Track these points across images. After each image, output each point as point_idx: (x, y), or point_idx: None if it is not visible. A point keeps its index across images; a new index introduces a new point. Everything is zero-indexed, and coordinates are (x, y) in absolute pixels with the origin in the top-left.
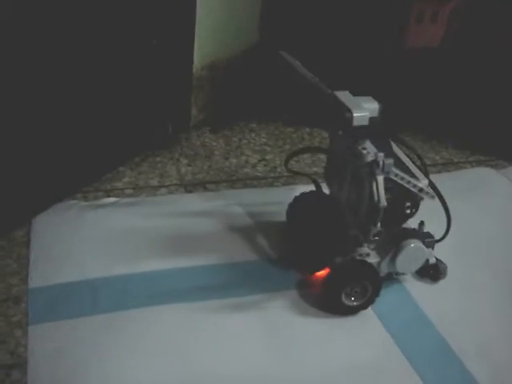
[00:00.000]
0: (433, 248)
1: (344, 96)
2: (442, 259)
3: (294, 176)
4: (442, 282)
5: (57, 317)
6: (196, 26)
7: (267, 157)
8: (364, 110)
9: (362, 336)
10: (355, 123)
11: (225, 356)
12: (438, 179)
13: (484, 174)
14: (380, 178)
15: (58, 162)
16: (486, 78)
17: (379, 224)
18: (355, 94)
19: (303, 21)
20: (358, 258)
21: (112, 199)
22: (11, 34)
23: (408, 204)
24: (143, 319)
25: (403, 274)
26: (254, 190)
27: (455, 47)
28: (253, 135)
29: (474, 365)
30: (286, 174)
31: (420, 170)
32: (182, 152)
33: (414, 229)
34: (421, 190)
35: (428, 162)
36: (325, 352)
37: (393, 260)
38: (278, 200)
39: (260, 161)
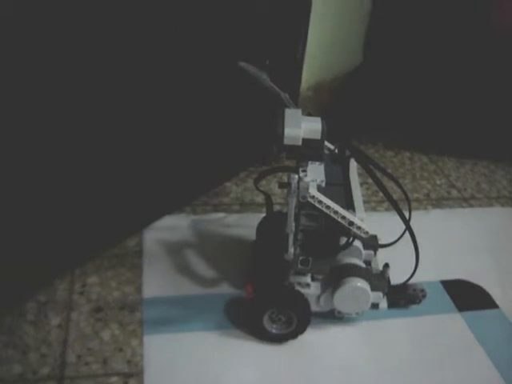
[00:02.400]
0: (383, 292)
1: (291, 113)
2: None
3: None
4: None
5: (171, 329)
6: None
7: (369, 180)
8: (299, 129)
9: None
10: (286, 142)
11: None
12: None
13: None
14: (290, 201)
15: (170, 175)
16: None
17: (292, 251)
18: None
19: (408, 42)
20: (297, 286)
21: (221, 214)
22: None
23: (339, 235)
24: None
25: (347, 314)
26: None
27: None
28: None
29: None
30: (380, 199)
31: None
32: None
33: (368, 268)
34: (351, 223)
35: None
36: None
37: (331, 296)
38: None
39: (362, 184)
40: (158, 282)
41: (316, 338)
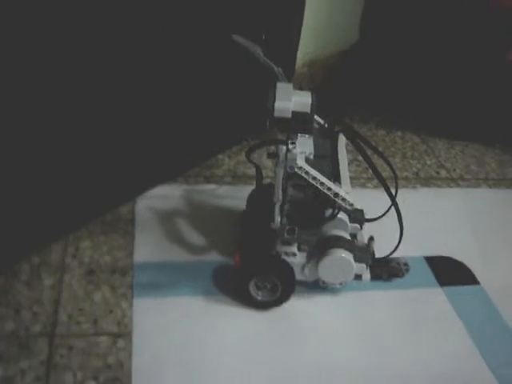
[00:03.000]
0: (367, 264)
1: (282, 87)
2: None
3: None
4: None
5: (160, 293)
6: None
7: (360, 157)
8: (289, 102)
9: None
10: (276, 114)
11: None
12: None
13: None
14: (278, 171)
15: (163, 146)
16: None
17: (278, 220)
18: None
19: (404, 22)
20: (283, 256)
21: (213, 185)
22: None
23: (325, 206)
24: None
25: (331, 284)
26: None
27: None
28: None
29: None
30: (370, 176)
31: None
32: None
33: (353, 240)
34: (336, 195)
35: None
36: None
37: (316, 266)
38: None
39: (352, 161)
40: (148, 248)
41: (300, 307)
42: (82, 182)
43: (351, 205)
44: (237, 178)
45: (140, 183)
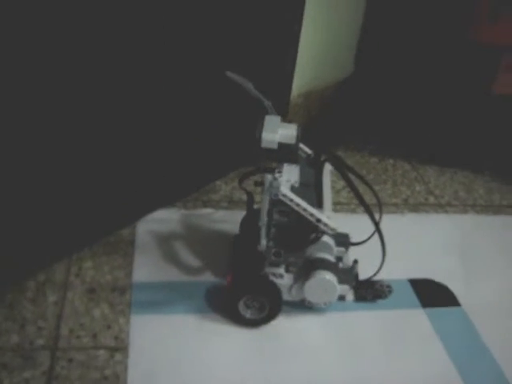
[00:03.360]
0: (350, 285)
1: (270, 119)
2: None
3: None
4: (508, 317)
5: (156, 311)
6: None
7: None
8: (275, 134)
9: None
10: (263, 145)
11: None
12: None
13: None
14: (264, 198)
15: (163, 172)
16: None
17: (264, 243)
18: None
19: (397, 56)
20: (271, 277)
21: (209, 210)
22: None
23: (309, 231)
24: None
25: (316, 304)
26: (337, 214)
27: None
28: None
29: None
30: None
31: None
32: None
33: (336, 262)
34: (318, 220)
35: (504, 203)
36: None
37: (302, 287)
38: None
39: (344, 187)
40: (147, 268)
41: (287, 325)
42: (86, 205)
43: (333, 229)
44: (233, 203)
45: (141, 207)
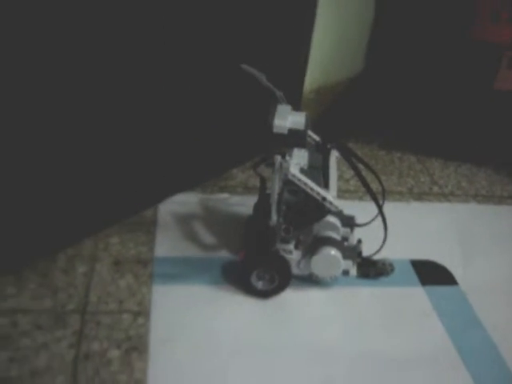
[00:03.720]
0: (353, 261)
1: (282, 108)
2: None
3: None
4: (501, 295)
5: (175, 281)
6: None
7: None
8: (286, 121)
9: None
10: (275, 130)
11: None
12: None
13: None
14: (274, 177)
15: (184, 160)
16: None
17: (275, 218)
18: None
19: (405, 54)
20: (282, 252)
21: (226, 195)
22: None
23: (314, 209)
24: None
25: (322, 277)
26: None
27: None
28: None
29: None
30: (374, 190)
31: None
32: None
33: (342, 240)
34: (324, 198)
35: (505, 194)
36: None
37: (309, 261)
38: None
39: (353, 176)
40: (167, 244)
41: (295, 297)
42: (113, 189)
43: (336, 207)
44: (248, 189)
45: (163, 191)
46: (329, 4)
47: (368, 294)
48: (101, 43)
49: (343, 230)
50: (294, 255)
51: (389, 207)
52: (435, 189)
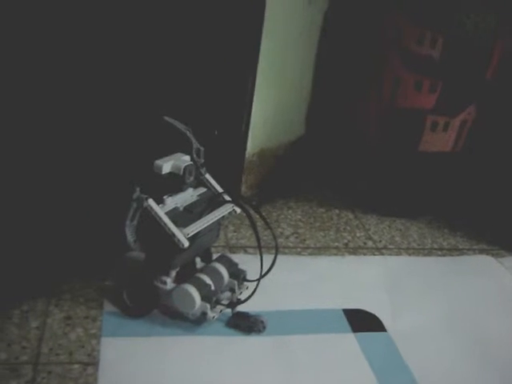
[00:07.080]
0: (211, 304)
1: (179, 155)
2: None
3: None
4: (427, 341)
5: (122, 334)
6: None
7: (299, 231)
8: (167, 164)
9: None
10: (154, 170)
11: None
12: (441, 262)
13: (483, 261)
14: (131, 205)
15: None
16: (495, 178)
17: (130, 240)
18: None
19: (341, 118)
20: (155, 282)
21: None
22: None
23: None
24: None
25: (185, 313)
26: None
27: (465, 150)
28: (290, 212)
29: None
30: (312, 246)
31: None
32: (230, 221)
33: (208, 284)
34: (173, 234)
35: (435, 246)
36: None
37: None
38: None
39: (292, 233)
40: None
41: (229, 344)
42: (66, 250)
43: (182, 244)
44: None
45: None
46: (268, 70)
47: (300, 340)
48: None
49: (229, 281)
50: (167, 286)
51: (324, 261)
52: (370, 243)
